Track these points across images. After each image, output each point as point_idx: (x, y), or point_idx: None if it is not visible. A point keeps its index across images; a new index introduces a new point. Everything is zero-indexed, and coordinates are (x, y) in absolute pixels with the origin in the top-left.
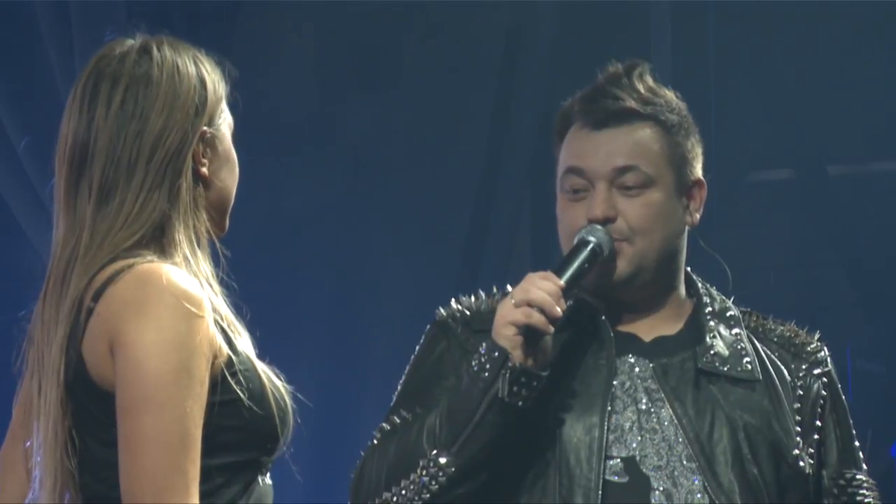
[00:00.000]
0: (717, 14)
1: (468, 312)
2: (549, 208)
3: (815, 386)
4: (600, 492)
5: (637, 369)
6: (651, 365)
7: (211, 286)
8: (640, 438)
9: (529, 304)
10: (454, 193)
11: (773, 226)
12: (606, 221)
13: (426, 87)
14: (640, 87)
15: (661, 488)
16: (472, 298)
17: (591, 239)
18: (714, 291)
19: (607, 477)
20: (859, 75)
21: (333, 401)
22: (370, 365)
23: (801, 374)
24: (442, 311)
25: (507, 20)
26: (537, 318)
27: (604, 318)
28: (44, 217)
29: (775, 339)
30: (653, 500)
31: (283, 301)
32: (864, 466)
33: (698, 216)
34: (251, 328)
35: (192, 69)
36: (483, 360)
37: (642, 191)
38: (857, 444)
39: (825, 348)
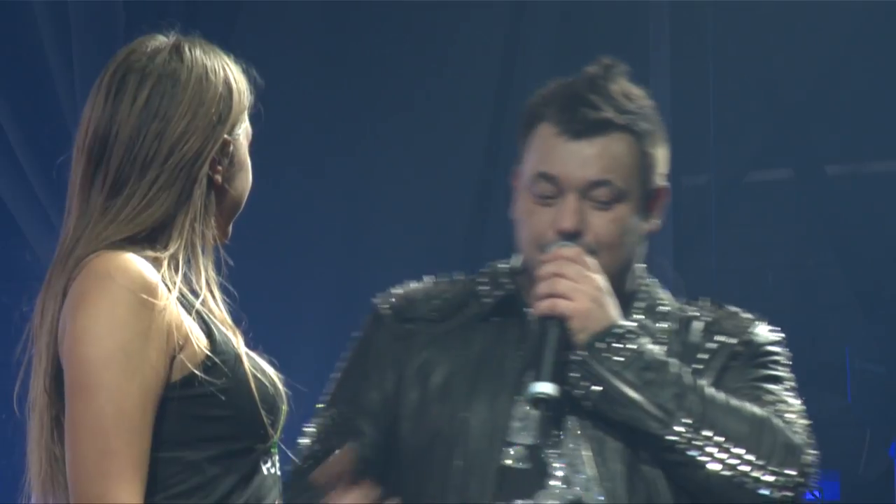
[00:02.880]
0: (717, 14)
1: (401, 302)
2: None
3: (725, 351)
4: (496, 477)
5: None
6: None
7: (210, 289)
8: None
9: None
10: (454, 193)
11: (773, 226)
12: (575, 234)
13: (426, 86)
14: (617, 94)
15: (561, 474)
16: (417, 285)
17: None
18: (654, 287)
19: (509, 463)
20: (859, 75)
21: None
22: None
23: (711, 346)
24: (376, 299)
25: (506, 20)
26: None
27: (527, 310)
28: (43, 217)
29: (719, 328)
30: (552, 486)
31: (284, 299)
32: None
33: (659, 223)
34: (251, 328)
35: (220, 75)
36: None
37: (612, 205)
38: (775, 390)
39: (760, 325)
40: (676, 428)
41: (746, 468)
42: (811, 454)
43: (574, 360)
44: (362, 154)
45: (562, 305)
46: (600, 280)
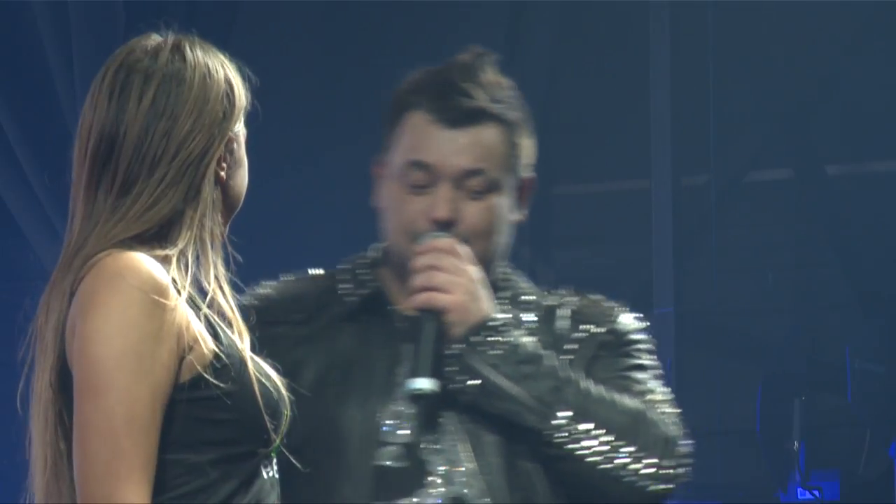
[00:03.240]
0: (717, 14)
1: (264, 305)
2: (548, 209)
3: (593, 340)
4: (372, 477)
5: None
6: None
7: (221, 286)
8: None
9: None
10: None
11: (772, 226)
12: (448, 224)
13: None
14: (489, 83)
15: (440, 471)
16: (276, 284)
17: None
18: (516, 277)
19: (384, 462)
20: (859, 75)
21: None
22: None
23: (579, 336)
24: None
25: (506, 20)
26: None
27: (392, 307)
28: (43, 217)
29: (584, 317)
30: (432, 483)
31: None
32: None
33: (526, 212)
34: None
35: (221, 73)
36: None
37: (485, 195)
38: (643, 379)
39: (624, 312)
40: (555, 421)
41: (626, 460)
42: (685, 445)
43: (450, 355)
44: (362, 153)
45: (439, 299)
46: (475, 272)
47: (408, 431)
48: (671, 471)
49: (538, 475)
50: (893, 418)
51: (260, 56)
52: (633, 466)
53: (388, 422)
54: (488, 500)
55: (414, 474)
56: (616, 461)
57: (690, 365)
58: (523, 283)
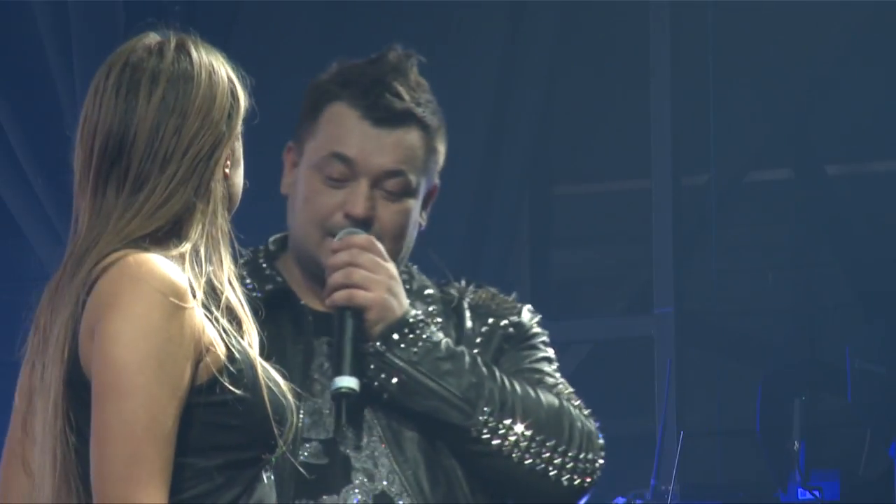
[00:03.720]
0: (717, 14)
1: None
2: (548, 209)
3: (498, 333)
4: (294, 474)
5: (328, 349)
6: None
7: (231, 283)
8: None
9: None
10: (453, 195)
11: (772, 226)
12: (365, 221)
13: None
14: (416, 85)
15: (362, 468)
16: None
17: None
18: (417, 273)
19: (305, 459)
20: (858, 75)
21: None
22: None
23: (483, 330)
24: None
25: (506, 20)
26: None
27: (303, 302)
28: (43, 217)
29: (485, 310)
30: (355, 481)
31: None
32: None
33: (426, 219)
34: None
35: (224, 72)
36: None
37: (401, 198)
38: (552, 371)
39: (523, 305)
40: (479, 417)
41: (549, 455)
42: (601, 438)
43: (371, 353)
44: None
45: (359, 296)
46: (393, 269)
47: (326, 428)
48: (594, 464)
49: (460, 471)
50: (894, 418)
51: (260, 56)
52: (557, 461)
53: (305, 419)
54: (409, 496)
55: (336, 472)
56: (541, 455)
57: (691, 365)
58: (421, 276)
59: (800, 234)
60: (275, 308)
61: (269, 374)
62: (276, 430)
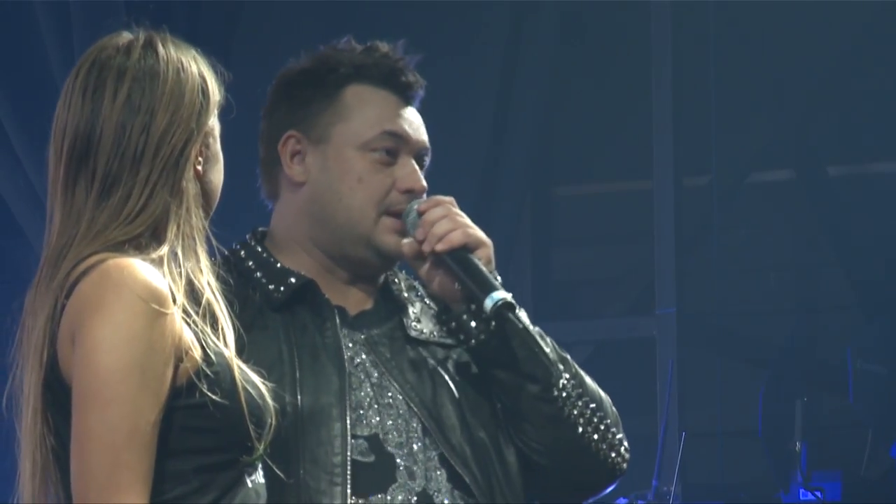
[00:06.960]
0: (718, 14)
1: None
2: (550, 209)
3: None
4: (349, 474)
5: (351, 343)
6: (363, 337)
7: (210, 284)
8: (378, 415)
9: None
10: (455, 195)
11: (774, 226)
12: (420, 195)
13: (425, 88)
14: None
15: (404, 465)
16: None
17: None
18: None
19: (354, 457)
20: (859, 76)
21: None
22: None
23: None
24: None
25: (507, 20)
26: None
27: (324, 296)
28: (43, 217)
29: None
30: (398, 479)
31: None
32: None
33: None
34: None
35: (194, 67)
36: None
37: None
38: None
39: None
40: (562, 381)
41: (604, 430)
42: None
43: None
44: None
45: (475, 234)
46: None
47: (373, 422)
48: (626, 450)
49: (499, 468)
50: (893, 419)
51: (260, 56)
52: (610, 439)
53: (352, 414)
54: (449, 495)
55: (383, 468)
56: (599, 430)
57: (692, 365)
58: (399, 272)
59: (800, 235)
60: (296, 303)
61: (247, 375)
62: (252, 433)
